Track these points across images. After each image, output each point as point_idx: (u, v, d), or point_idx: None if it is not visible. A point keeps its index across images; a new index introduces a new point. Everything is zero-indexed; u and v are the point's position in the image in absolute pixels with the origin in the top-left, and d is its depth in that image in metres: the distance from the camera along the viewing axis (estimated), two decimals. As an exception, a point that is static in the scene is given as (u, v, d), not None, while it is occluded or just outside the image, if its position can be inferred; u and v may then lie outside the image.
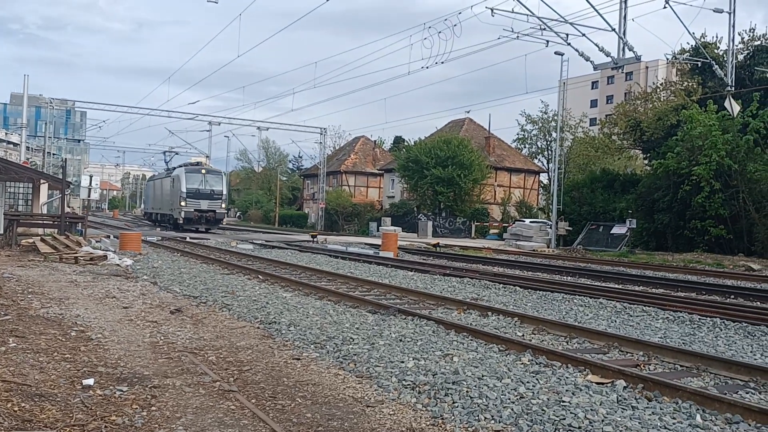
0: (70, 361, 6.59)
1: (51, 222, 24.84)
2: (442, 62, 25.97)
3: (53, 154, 65.63)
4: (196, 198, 38.87)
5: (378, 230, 43.29)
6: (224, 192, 41.35)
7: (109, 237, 26.23)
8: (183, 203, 38.64)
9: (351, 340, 7.90)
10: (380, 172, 61.98)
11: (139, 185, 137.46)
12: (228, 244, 27.75)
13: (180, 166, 43.68)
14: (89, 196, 25.42)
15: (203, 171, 40.90)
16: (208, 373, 6.30)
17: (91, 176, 25.38)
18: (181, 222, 38.84)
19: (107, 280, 13.43)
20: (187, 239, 29.83)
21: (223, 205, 41.31)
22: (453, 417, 5.23)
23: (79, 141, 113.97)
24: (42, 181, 27.76)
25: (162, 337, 7.94)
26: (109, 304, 10.32)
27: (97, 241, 22.73)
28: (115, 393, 5.55)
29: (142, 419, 4.93)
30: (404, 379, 6.19)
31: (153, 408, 5.22)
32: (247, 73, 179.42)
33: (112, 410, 5.10)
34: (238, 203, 79.48)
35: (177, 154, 56.14)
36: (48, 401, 5.21)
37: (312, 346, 7.68)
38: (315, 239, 32.01)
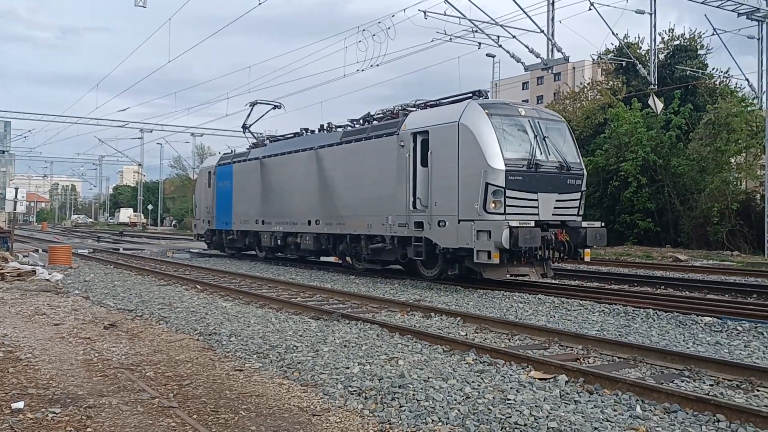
0: (-3, 384, 6.24)
1: (-28, 237, 23.60)
2: (377, 65, 25.98)
3: (-27, 166, 62.43)
4: (528, 189, 13.48)
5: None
6: (583, 169, 14.71)
7: (37, 251, 25.11)
8: (493, 204, 13.16)
9: (294, 348, 7.79)
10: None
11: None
12: (164, 254, 27.00)
13: (450, 100, 15.70)
14: (15, 209, 24.23)
15: (524, 112, 14.32)
16: (146, 390, 6.08)
17: (16, 188, 24.17)
18: (502, 256, 13.05)
19: (36, 297, 12.84)
20: (120, 250, 28.69)
21: (581, 206, 14.47)
22: (401, 421, 5.21)
23: (3, 152, 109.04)
24: (-39, 194, 26.36)
25: (96, 354, 7.63)
26: (38, 322, 9.85)
27: (24, 256, 21.72)
28: (47, 415, 5.28)
29: (77, 443, 4.71)
30: (350, 386, 6.14)
31: (89, 429, 4.99)
32: (178, 79, 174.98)
33: (45, 435, 4.85)
34: (173, 212, 77.46)
35: (276, 107, 24.96)
36: (-27, 429, 4.92)
37: (254, 356, 7.52)
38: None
